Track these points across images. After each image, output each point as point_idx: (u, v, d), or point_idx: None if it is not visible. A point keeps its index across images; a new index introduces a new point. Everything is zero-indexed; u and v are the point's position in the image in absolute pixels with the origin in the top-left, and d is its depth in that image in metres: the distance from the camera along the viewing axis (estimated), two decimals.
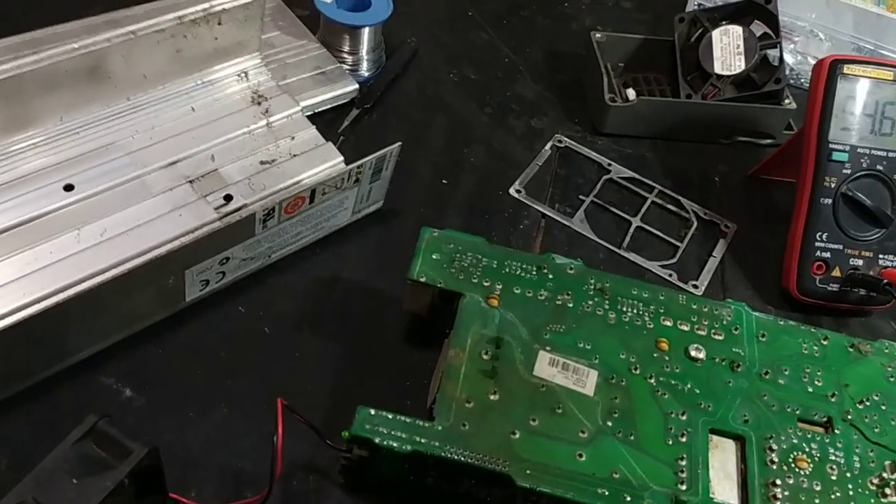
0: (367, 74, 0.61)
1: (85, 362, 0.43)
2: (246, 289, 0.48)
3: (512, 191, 0.57)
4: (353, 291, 0.49)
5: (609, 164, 0.60)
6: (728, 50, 0.62)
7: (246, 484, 0.40)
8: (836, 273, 0.53)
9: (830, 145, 0.52)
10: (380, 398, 0.39)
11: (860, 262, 0.53)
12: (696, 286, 0.54)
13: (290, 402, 0.39)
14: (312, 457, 0.41)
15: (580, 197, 0.58)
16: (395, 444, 0.37)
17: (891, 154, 0.52)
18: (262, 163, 0.52)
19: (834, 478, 0.39)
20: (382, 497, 0.41)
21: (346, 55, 0.61)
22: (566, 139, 0.61)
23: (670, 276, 0.54)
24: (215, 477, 0.40)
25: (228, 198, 0.49)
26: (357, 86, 0.59)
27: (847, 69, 0.52)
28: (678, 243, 0.56)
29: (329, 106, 0.58)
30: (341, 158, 0.53)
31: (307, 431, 0.40)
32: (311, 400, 0.43)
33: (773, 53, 0.62)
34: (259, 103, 0.55)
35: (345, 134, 0.58)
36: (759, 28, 0.63)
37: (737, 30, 0.62)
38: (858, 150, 0.52)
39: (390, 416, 0.38)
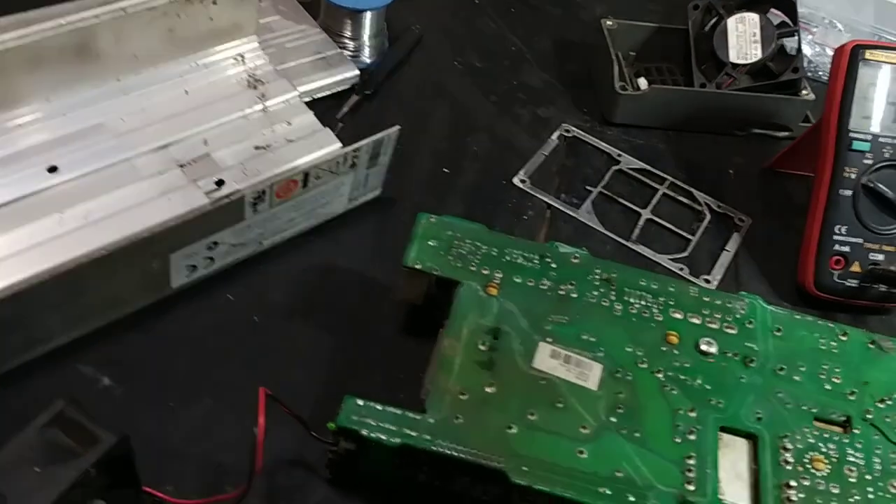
0: (368, 61, 0.60)
1: (63, 349, 0.41)
2: (236, 276, 0.46)
3: (516, 180, 0.55)
4: (347, 280, 0.47)
5: (619, 155, 0.58)
6: (744, 38, 0.59)
7: (227, 478, 0.38)
8: (856, 268, 0.50)
9: (851, 134, 0.50)
10: (372, 390, 0.37)
11: (881, 257, 0.50)
12: (708, 281, 0.51)
13: (278, 394, 0.37)
14: (298, 451, 0.39)
15: (588, 188, 0.56)
16: (383, 437, 0.35)
17: None
18: (256, 148, 0.50)
19: (853, 480, 0.37)
20: (371, 493, 0.39)
21: (347, 40, 0.59)
22: (574, 129, 0.59)
23: (681, 269, 0.52)
24: (195, 470, 0.38)
25: (220, 183, 0.47)
26: (358, 72, 0.57)
27: (869, 55, 0.50)
28: (690, 236, 0.54)
29: (328, 92, 0.56)
30: (339, 145, 0.51)
31: (293, 424, 0.37)
32: (300, 392, 0.41)
33: (790, 43, 0.60)
34: (255, 87, 0.53)
35: (344, 120, 0.56)
36: (776, 17, 0.60)
37: (753, 17, 0.60)
38: (880, 139, 0.50)
39: (379, 408, 0.36)
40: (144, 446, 0.38)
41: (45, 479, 0.30)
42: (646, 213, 0.54)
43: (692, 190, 0.57)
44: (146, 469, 0.36)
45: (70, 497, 0.30)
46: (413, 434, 0.35)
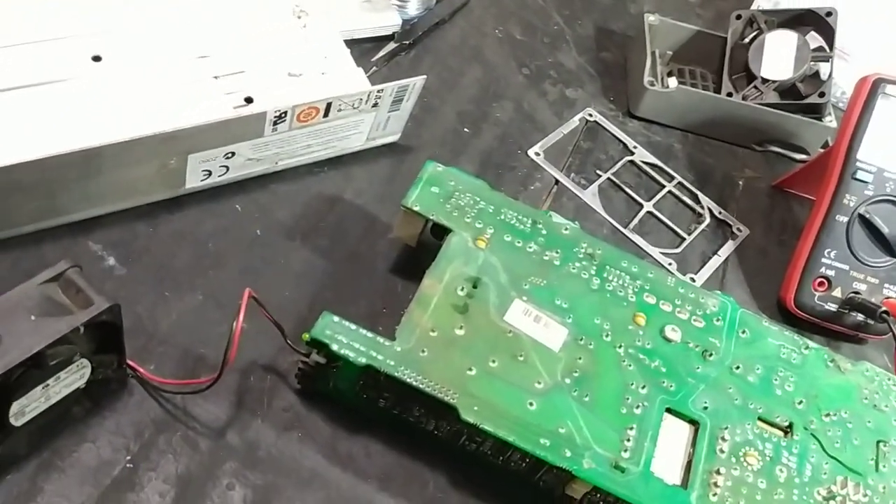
0: (413, 13, 0.61)
1: (77, 224, 0.44)
2: (247, 189, 0.48)
3: (531, 152, 0.57)
4: (351, 214, 0.49)
5: (634, 147, 0.60)
6: (779, 55, 0.61)
7: (204, 369, 0.41)
8: (837, 293, 0.52)
9: (857, 163, 0.51)
10: (353, 317, 0.39)
11: (864, 287, 0.51)
12: (693, 280, 0.53)
13: (265, 303, 0.39)
14: (273, 357, 0.42)
15: (598, 172, 0.57)
16: (351, 354, 0.37)
17: None
18: (290, 74, 0.52)
19: (781, 480, 0.39)
20: (334, 410, 0.41)
21: None
22: (597, 115, 0.61)
23: (670, 264, 0.53)
24: (177, 356, 0.41)
25: (249, 100, 0.50)
26: (401, 21, 0.59)
27: (890, 89, 0.51)
28: (686, 235, 0.55)
29: (368, 35, 0.58)
30: (369, 86, 0.53)
31: (273, 333, 0.40)
32: (286, 306, 0.44)
33: (824, 68, 0.61)
34: (300, 17, 0.55)
35: (378, 65, 0.58)
36: (814, 40, 0.61)
37: (792, 37, 0.61)
38: (885, 173, 0.51)
39: (353, 327, 0.38)
40: (135, 326, 0.41)
41: (39, 327, 0.32)
42: (648, 206, 0.56)
43: (698, 193, 0.58)
44: (132, 346, 0.39)
45: (57, 350, 0.33)
46: (379, 357, 0.37)
